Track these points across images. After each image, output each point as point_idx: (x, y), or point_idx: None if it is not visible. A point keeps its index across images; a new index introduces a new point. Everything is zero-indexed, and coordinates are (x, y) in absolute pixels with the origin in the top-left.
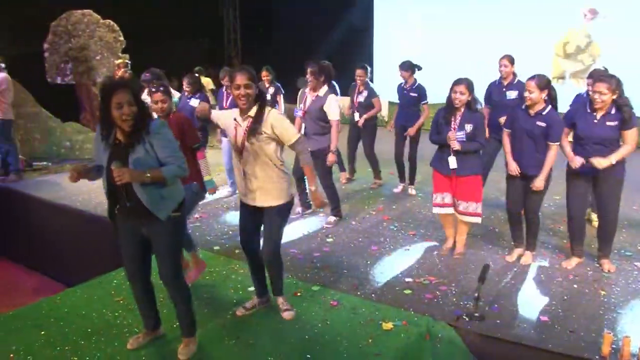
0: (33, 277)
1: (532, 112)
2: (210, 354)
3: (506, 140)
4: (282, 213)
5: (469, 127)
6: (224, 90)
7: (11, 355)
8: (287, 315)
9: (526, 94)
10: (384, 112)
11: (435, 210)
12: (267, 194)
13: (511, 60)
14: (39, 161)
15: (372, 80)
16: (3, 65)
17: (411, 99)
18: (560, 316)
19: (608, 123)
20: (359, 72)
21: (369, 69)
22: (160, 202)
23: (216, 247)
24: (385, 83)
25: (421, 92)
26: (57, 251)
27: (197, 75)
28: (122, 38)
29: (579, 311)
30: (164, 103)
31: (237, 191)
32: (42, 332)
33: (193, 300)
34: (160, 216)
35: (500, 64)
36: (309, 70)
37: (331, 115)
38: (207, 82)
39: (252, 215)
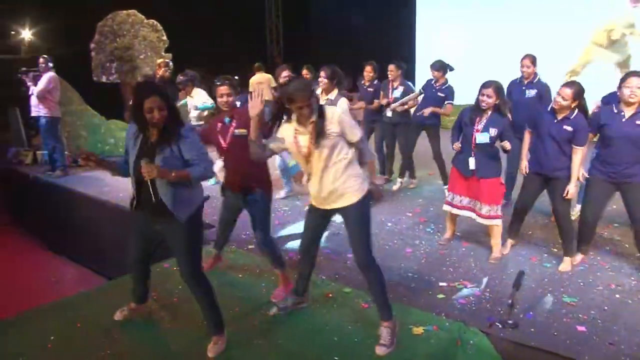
0: (75, 270)
1: (559, 116)
2: (239, 354)
3: (527, 139)
4: (363, 207)
5: (493, 131)
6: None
7: (49, 345)
8: (378, 350)
9: (558, 99)
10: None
11: (446, 207)
12: (343, 194)
13: (533, 61)
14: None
15: (413, 79)
16: (51, 64)
17: (438, 98)
18: (599, 327)
19: (638, 122)
20: (390, 67)
21: (403, 65)
22: (181, 204)
23: (250, 246)
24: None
25: (449, 92)
26: (98, 245)
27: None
28: (165, 37)
29: (620, 323)
30: (228, 97)
31: (292, 191)
32: (79, 325)
33: (217, 298)
34: (179, 217)
35: (522, 64)
36: (321, 73)
37: None
38: (268, 78)
39: (322, 220)
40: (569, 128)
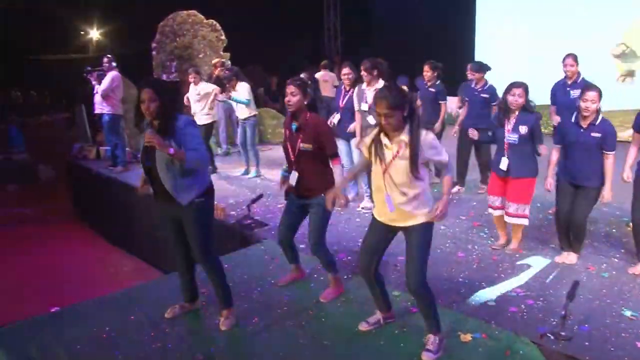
0: (132, 263)
1: (584, 124)
2: (283, 352)
3: (554, 157)
4: (427, 233)
5: (523, 129)
6: (342, 87)
7: (104, 335)
8: (424, 356)
9: (586, 104)
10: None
11: (491, 211)
12: (410, 214)
13: (576, 59)
14: None
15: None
16: (114, 63)
17: (482, 100)
18: None
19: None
20: (425, 67)
21: (438, 65)
22: (182, 189)
23: (302, 245)
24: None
25: (493, 92)
26: (153, 239)
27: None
28: (223, 37)
29: None
30: (292, 96)
31: (357, 194)
32: (132, 317)
33: (226, 278)
34: (181, 201)
35: (565, 64)
36: (362, 67)
37: None
38: (332, 77)
39: (385, 234)
40: (597, 134)
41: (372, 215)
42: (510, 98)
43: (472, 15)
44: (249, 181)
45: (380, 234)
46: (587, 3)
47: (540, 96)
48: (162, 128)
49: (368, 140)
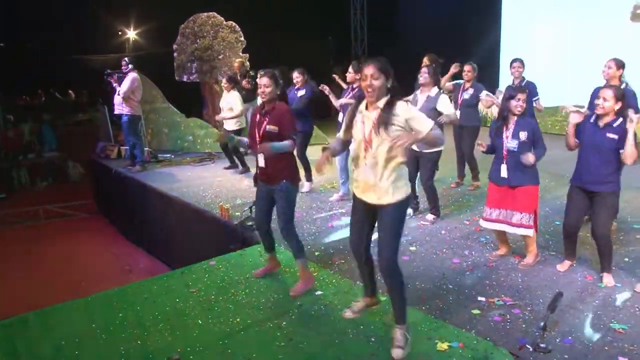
0: (148, 260)
1: (601, 123)
2: (255, 353)
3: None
4: (400, 210)
5: (523, 135)
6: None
7: (89, 333)
8: (395, 353)
9: (599, 101)
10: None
11: (484, 224)
12: (386, 191)
13: (618, 64)
14: (165, 153)
15: (497, 80)
16: (131, 65)
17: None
18: None
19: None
20: (466, 67)
21: (475, 67)
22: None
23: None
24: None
25: (531, 88)
26: (167, 238)
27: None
28: (242, 38)
29: None
30: (266, 87)
31: (346, 193)
32: (120, 315)
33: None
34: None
35: (606, 66)
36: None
37: (447, 111)
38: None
39: (367, 214)
40: (614, 136)
41: (353, 193)
42: (515, 104)
43: (499, 15)
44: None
45: (361, 212)
46: None
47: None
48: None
49: (349, 111)
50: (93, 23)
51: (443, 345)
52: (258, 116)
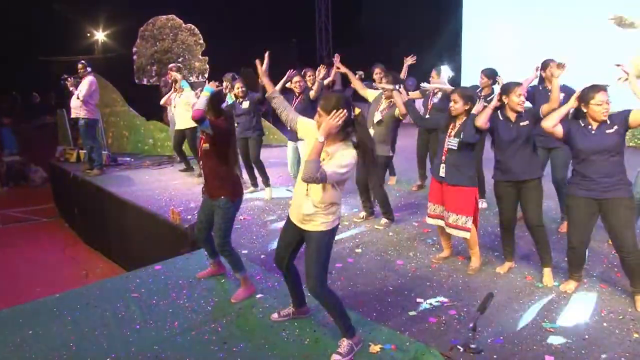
0: (105, 264)
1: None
2: (191, 357)
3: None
4: (324, 240)
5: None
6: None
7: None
8: (332, 357)
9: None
10: None
11: (429, 220)
12: (311, 218)
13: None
14: (125, 157)
15: (459, 82)
16: (89, 69)
17: None
18: (569, 358)
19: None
20: (432, 73)
21: (443, 69)
22: None
23: (244, 251)
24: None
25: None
26: (125, 242)
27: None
28: (202, 41)
29: (596, 354)
30: None
31: None
32: (58, 320)
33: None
34: None
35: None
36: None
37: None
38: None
39: (294, 232)
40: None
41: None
42: (450, 104)
43: (459, 16)
44: None
45: (291, 231)
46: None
47: None
48: None
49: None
50: (59, 25)
51: (375, 348)
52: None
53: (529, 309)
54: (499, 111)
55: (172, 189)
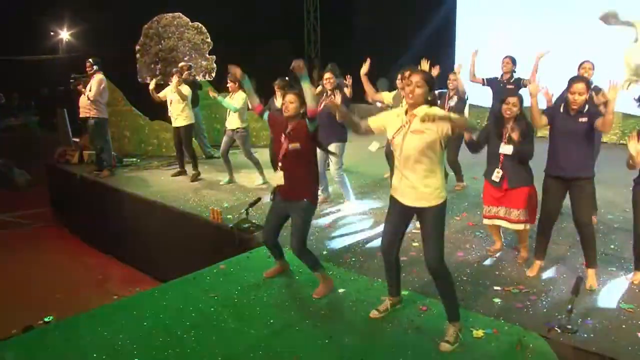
0: (120, 267)
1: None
2: (305, 353)
3: None
4: (441, 212)
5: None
6: None
7: (119, 343)
8: (442, 346)
9: (574, 97)
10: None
11: (486, 221)
12: (423, 194)
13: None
14: (128, 157)
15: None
16: (96, 67)
17: (510, 92)
18: None
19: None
20: (451, 76)
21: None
22: None
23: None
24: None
25: (519, 83)
26: (144, 244)
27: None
28: (209, 40)
29: None
30: (291, 103)
31: (330, 196)
32: (145, 324)
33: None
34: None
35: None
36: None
37: None
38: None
39: (401, 218)
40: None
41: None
42: (504, 107)
43: (453, 19)
44: (239, 186)
45: (397, 215)
46: None
47: None
48: None
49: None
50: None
51: (479, 333)
52: (283, 136)
53: (600, 292)
54: (562, 104)
55: (196, 189)
